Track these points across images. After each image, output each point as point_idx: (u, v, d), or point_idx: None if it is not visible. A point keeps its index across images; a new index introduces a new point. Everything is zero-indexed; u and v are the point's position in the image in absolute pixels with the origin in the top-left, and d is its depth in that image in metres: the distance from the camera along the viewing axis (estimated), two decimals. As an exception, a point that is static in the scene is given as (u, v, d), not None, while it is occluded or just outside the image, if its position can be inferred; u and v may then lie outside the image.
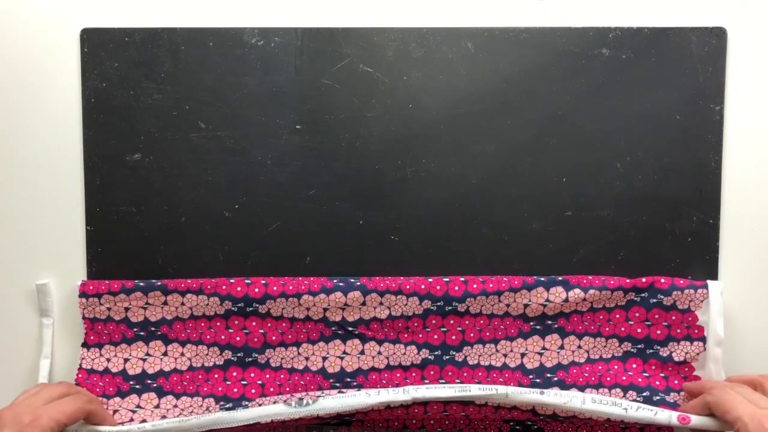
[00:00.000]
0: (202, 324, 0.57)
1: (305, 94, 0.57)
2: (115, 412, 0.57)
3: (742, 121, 0.58)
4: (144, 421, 0.56)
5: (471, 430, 0.58)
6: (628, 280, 0.56)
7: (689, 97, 0.57)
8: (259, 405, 0.53)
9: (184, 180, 0.58)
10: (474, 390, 0.52)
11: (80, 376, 0.57)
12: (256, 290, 0.57)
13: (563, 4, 0.58)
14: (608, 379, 0.58)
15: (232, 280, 0.57)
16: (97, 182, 0.58)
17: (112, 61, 0.57)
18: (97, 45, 0.57)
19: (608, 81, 0.57)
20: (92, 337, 0.57)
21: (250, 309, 0.57)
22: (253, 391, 0.58)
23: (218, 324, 0.57)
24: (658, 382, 0.57)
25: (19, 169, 0.58)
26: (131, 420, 0.56)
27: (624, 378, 0.57)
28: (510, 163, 0.58)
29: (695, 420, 0.51)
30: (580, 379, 0.58)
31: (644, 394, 0.57)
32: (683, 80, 0.57)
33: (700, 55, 0.57)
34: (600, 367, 0.58)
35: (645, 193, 0.58)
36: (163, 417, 0.57)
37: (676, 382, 0.57)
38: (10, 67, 0.58)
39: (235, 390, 0.58)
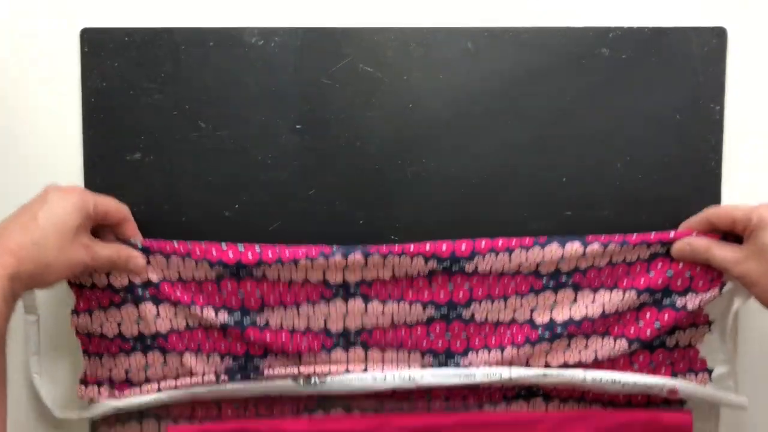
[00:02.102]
0: (192, 288, 0.56)
1: (305, 94, 0.57)
2: (126, 372, 0.56)
3: (742, 121, 0.58)
4: (159, 390, 0.56)
5: (476, 395, 0.58)
6: (652, 235, 0.55)
7: (689, 97, 0.57)
8: (268, 370, 0.56)
9: (184, 180, 0.58)
10: (479, 376, 0.55)
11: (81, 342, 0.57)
12: (250, 256, 0.54)
13: (563, 4, 0.58)
14: (616, 329, 0.56)
15: (223, 246, 0.55)
16: (97, 182, 0.58)
17: (112, 61, 0.57)
18: (97, 45, 0.57)
19: (608, 81, 0.57)
20: (81, 304, 0.55)
21: (244, 271, 0.55)
22: (257, 347, 0.56)
23: (210, 288, 0.56)
24: (667, 329, 0.56)
25: (19, 169, 0.58)
26: (146, 381, 0.56)
27: (632, 330, 0.56)
28: (510, 163, 0.58)
29: (683, 391, 0.56)
30: (589, 330, 0.56)
31: (649, 344, 0.56)
32: (683, 80, 0.57)
33: (700, 55, 0.57)
34: (612, 319, 0.56)
35: (645, 193, 0.58)
36: (176, 378, 0.57)
37: (684, 319, 0.56)
38: (10, 67, 0.58)
39: (239, 346, 0.57)
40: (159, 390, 0.56)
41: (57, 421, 0.58)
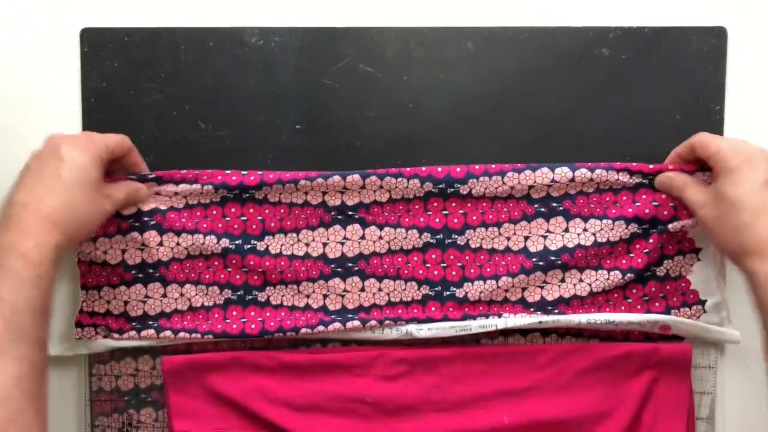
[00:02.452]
0: (198, 213, 0.57)
1: (305, 94, 0.57)
2: (125, 304, 0.57)
3: (742, 121, 0.58)
4: (158, 338, 0.56)
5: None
6: (635, 164, 0.56)
7: (689, 97, 0.57)
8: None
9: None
10: (474, 327, 0.56)
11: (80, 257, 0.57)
12: (252, 178, 0.56)
13: (563, 4, 0.58)
14: (608, 261, 0.57)
15: (228, 171, 0.56)
16: (97, 182, 0.58)
17: (112, 61, 0.57)
18: (97, 45, 0.57)
19: (608, 81, 0.57)
20: None
21: (246, 195, 0.57)
22: (256, 277, 0.57)
23: (214, 213, 0.57)
24: (656, 255, 0.57)
25: (18, 169, 0.58)
26: (144, 317, 0.57)
27: (624, 261, 0.57)
28: (509, 163, 0.57)
29: (675, 327, 0.56)
30: (582, 262, 0.57)
31: (640, 274, 0.57)
32: (683, 80, 0.57)
33: (700, 55, 0.57)
34: (604, 250, 0.57)
35: (645, 193, 0.58)
36: (174, 313, 0.57)
37: (670, 247, 0.57)
38: (10, 67, 0.58)
39: (238, 276, 0.57)
40: (158, 338, 0.57)
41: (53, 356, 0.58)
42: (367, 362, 0.56)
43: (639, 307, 0.57)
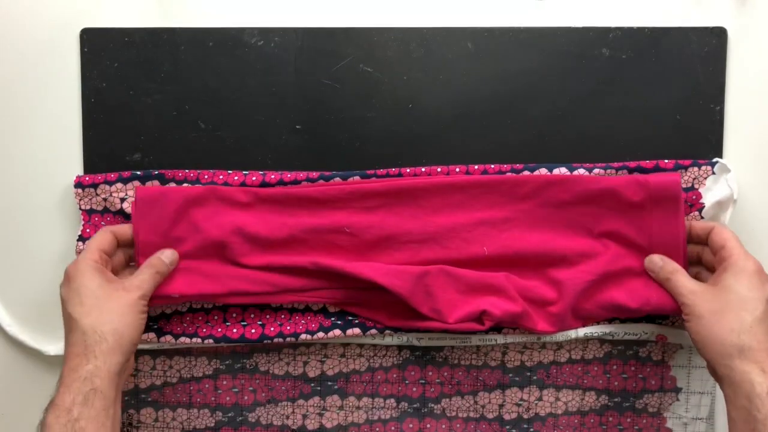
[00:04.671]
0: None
1: (305, 94, 0.57)
2: None
3: (742, 121, 0.58)
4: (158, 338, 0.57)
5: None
6: (632, 162, 0.56)
7: (689, 97, 0.57)
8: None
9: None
10: (474, 340, 0.57)
11: None
12: (254, 179, 0.56)
13: (563, 4, 0.58)
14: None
15: (229, 171, 0.56)
16: (97, 182, 0.58)
17: (112, 61, 0.57)
18: (97, 45, 0.57)
19: (608, 81, 0.57)
20: (88, 230, 0.56)
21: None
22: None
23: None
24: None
25: (18, 169, 0.58)
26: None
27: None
28: (510, 163, 0.57)
29: (671, 337, 0.57)
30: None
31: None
32: (683, 80, 0.57)
33: (700, 55, 0.57)
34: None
35: (645, 193, 0.58)
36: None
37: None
38: (10, 67, 0.58)
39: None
40: (158, 341, 0.57)
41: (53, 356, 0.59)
42: (344, 196, 0.55)
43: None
